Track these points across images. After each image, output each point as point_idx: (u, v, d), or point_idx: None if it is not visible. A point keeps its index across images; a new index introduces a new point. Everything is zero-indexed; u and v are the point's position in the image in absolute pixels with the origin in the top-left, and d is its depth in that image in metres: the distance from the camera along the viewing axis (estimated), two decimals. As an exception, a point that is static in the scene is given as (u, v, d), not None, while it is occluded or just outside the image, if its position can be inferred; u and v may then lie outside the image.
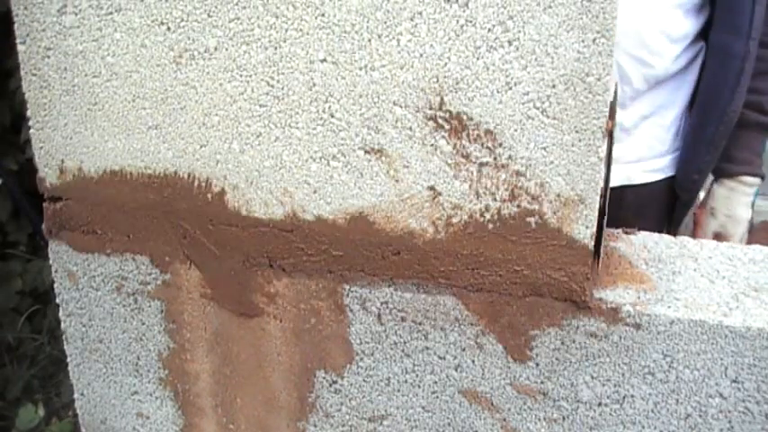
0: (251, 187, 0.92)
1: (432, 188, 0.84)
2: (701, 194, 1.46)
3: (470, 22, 0.76)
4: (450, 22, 0.77)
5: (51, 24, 0.93)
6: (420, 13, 0.77)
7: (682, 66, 1.31)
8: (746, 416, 0.81)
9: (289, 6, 0.82)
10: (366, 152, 0.85)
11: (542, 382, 0.88)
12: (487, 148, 0.80)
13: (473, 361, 0.90)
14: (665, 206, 1.46)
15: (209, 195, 0.94)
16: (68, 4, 0.91)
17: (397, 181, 0.85)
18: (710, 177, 1.42)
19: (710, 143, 1.31)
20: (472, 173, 0.82)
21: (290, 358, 1.00)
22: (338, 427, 1.01)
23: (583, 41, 0.73)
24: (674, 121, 1.36)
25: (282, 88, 0.86)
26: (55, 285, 1.10)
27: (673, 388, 0.82)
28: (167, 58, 0.89)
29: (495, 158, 0.81)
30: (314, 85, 0.84)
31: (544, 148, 0.78)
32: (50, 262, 1.08)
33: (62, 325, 1.12)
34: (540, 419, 0.90)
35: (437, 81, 0.79)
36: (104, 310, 1.08)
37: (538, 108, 0.77)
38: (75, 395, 1.17)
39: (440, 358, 0.92)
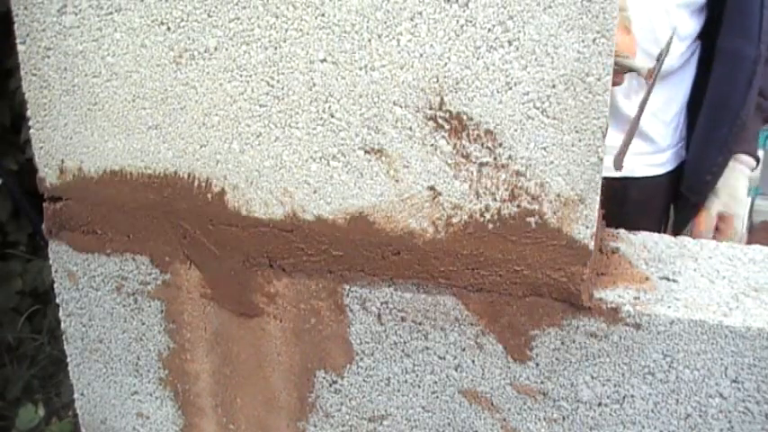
0: (251, 187, 0.92)
1: (432, 188, 0.84)
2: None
3: (470, 22, 0.76)
4: (450, 22, 0.77)
5: (51, 24, 0.93)
6: (420, 13, 0.77)
7: (683, 63, 1.36)
8: (746, 416, 0.81)
9: (289, 6, 0.82)
10: (366, 152, 0.85)
11: (542, 382, 0.88)
12: (487, 148, 0.80)
13: (473, 361, 0.90)
14: (666, 201, 1.50)
15: (209, 195, 0.94)
16: (68, 4, 0.91)
17: (397, 181, 0.85)
18: None
19: (723, 145, 1.35)
20: (472, 173, 0.82)
21: (290, 358, 1.00)
22: (338, 427, 1.01)
23: (583, 41, 0.73)
24: (674, 116, 1.41)
25: (282, 88, 0.86)
26: (55, 285, 1.10)
27: (673, 388, 0.82)
28: (167, 58, 0.89)
29: (495, 158, 0.80)
30: (314, 85, 0.84)
31: (544, 148, 0.78)
32: (50, 262, 1.08)
33: (62, 325, 1.12)
34: (540, 419, 0.90)
35: (437, 81, 0.79)
36: (104, 310, 1.08)
37: (538, 108, 0.77)
38: (75, 395, 1.17)
39: (440, 358, 0.92)
